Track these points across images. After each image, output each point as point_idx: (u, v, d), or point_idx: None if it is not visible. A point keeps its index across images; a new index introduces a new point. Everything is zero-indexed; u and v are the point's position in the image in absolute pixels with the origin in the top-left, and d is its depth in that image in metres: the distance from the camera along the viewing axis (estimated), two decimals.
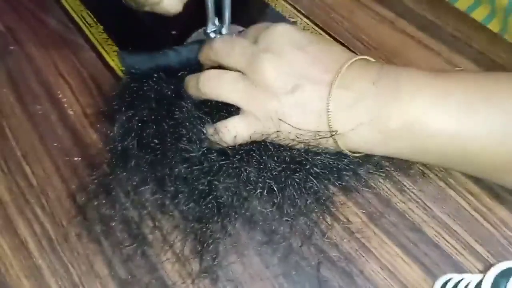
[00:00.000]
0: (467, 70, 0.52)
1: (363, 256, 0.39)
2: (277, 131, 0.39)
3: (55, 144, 0.46)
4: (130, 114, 0.42)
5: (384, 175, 0.42)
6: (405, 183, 0.43)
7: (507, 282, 0.31)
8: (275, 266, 0.38)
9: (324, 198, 0.40)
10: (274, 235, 0.40)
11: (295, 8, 0.58)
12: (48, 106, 0.49)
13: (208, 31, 0.50)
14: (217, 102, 0.41)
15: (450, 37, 0.55)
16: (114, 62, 0.52)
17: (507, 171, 0.38)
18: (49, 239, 0.40)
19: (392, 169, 0.43)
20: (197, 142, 0.39)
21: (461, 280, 0.35)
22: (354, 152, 0.40)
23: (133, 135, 0.41)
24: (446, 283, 0.36)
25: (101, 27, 0.55)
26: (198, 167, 0.39)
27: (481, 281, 0.32)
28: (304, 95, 0.38)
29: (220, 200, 0.38)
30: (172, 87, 0.43)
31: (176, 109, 0.41)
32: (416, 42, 0.55)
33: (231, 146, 0.39)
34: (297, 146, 0.40)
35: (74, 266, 0.38)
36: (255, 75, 0.39)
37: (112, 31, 0.55)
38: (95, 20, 0.56)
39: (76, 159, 0.45)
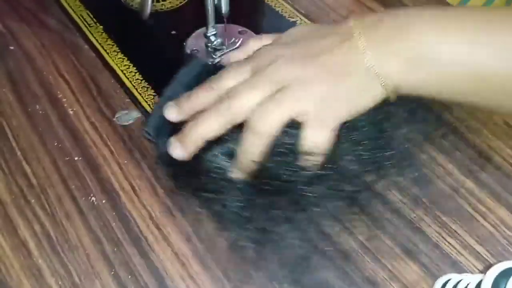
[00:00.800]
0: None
1: (363, 256, 0.39)
2: (340, 109, 0.38)
3: (55, 144, 0.46)
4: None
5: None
6: (405, 183, 0.43)
7: (507, 282, 0.31)
8: (275, 266, 0.38)
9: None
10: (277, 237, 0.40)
11: (294, 8, 0.58)
12: (48, 106, 0.49)
13: (208, 34, 0.50)
14: None
15: None
16: (114, 62, 0.52)
17: None
18: (49, 239, 0.40)
19: (392, 169, 0.43)
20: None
21: (461, 280, 0.35)
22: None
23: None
24: (446, 283, 0.36)
25: (101, 27, 0.55)
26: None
27: (481, 281, 0.32)
28: (327, 65, 0.39)
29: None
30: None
31: None
32: None
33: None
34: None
35: (74, 266, 0.38)
36: (282, 83, 0.38)
37: (112, 31, 0.55)
38: (95, 20, 0.56)
39: (76, 158, 0.45)
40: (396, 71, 0.38)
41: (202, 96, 0.40)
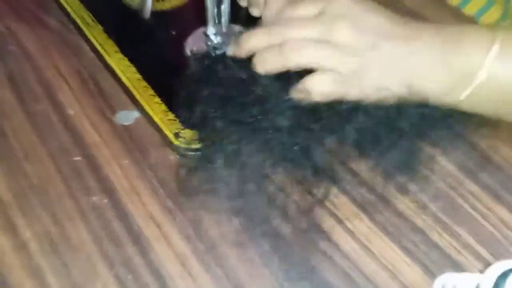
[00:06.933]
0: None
1: (363, 256, 0.39)
2: (360, 89, 0.41)
3: (56, 144, 0.46)
4: (211, 92, 0.44)
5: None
6: (405, 183, 0.43)
7: (507, 282, 0.31)
8: (275, 266, 0.38)
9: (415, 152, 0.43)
10: (277, 236, 0.40)
11: None
12: (48, 106, 0.49)
13: (208, 33, 0.50)
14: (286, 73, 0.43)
15: None
16: (114, 62, 0.52)
17: None
18: (50, 239, 0.40)
19: (393, 169, 0.43)
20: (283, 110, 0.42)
21: (461, 280, 0.35)
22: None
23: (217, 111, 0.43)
24: (446, 283, 0.36)
25: (101, 27, 0.55)
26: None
27: (481, 281, 0.33)
28: (384, 52, 0.41)
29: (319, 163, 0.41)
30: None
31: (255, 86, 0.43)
32: None
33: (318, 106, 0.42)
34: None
35: (74, 266, 0.38)
36: (333, 37, 0.42)
37: (112, 31, 0.55)
38: (95, 20, 0.56)
39: (76, 159, 0.45)
40: (443, 87, 0.41)
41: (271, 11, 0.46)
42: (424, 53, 0.41)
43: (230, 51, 0.47)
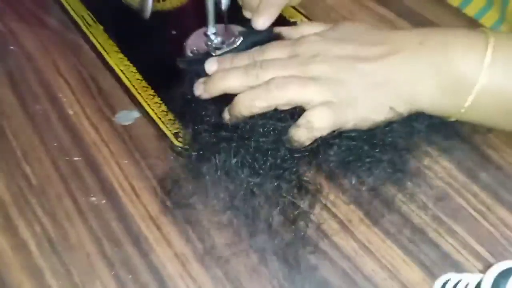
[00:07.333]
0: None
1: (363, 256, 0.39)
2: (357, 115, 0.40)
3: (55, 144, 0.46)
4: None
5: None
6: (405, 183, 0.43)
7: (507, 282, 0.31)
8: (275, 266, 0.38)
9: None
10: (276, 237, 0.40)
11: (294, 8, 0.58)
12: (48, 106, 0.49)
13: (209, 33, 0.50)
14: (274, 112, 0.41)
15: None
16: (114, 62, 0.52)
17: None
18: (49, 239, 0.40)
19: (392, 169, 0.43)
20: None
21: (461, 280, 0.35)
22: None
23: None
24: (445, 283, 0.36)
25: (101, 27, 0.55)
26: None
27: (481, 281, 0.32)
28: (363, 74, 0.40)
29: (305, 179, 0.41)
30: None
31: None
32: None
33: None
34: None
35: (74, 266, 0.38)
36: (313, 74, 0.41)
37: (112, 31, 0.55)
38: (95, 20, 0.56)
39: (76, 159, 0.45)
40: (434, 98, 0.40)
41: (241, 59, 0.45)
42: (407, 67, 0.40)
43: (199, 90, 0.44)
